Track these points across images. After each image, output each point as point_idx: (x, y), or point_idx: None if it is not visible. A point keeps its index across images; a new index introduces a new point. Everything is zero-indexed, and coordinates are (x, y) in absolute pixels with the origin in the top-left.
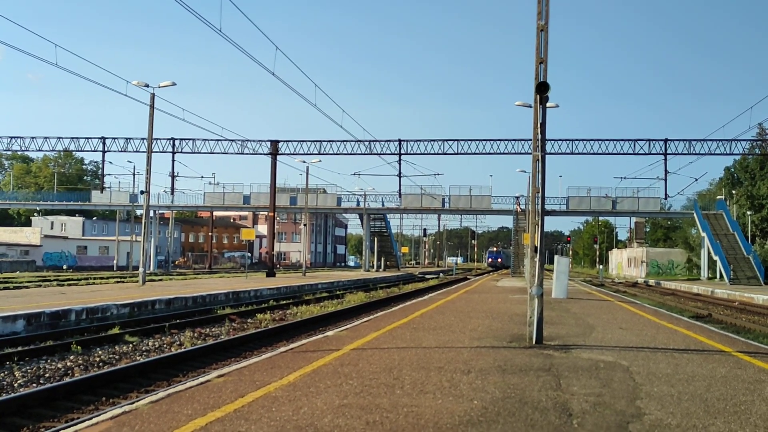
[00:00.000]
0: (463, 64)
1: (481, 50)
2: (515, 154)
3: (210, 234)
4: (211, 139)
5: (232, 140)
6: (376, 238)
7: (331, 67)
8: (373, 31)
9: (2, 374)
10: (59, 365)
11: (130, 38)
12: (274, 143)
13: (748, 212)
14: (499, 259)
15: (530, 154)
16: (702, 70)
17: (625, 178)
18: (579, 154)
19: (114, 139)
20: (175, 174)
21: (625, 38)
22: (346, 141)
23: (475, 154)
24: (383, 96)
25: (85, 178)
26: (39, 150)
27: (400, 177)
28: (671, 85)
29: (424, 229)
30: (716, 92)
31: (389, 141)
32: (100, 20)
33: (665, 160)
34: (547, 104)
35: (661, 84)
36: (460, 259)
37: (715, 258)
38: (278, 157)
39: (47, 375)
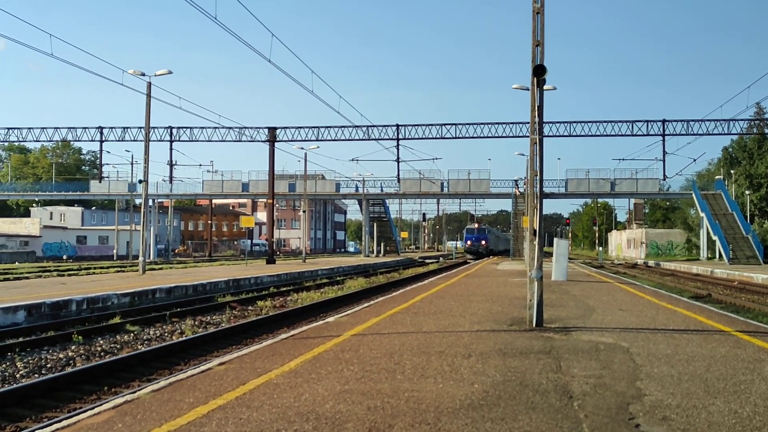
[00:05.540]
0: (463, 44)
1: (482, 30)
2: (513, 137)
3: (209, 222)
4: (209, 127)
5: (230, 128)
6: (375, 224)
7: (327, 48)
8: (371, 10)
9: (4, 365)
10: (61, 355)
11: (126, 24)
12: (272, 130)
13: (747, 192)
14: (483, 242)
15: (528, 137)
16: (701, 47)
17: (623, 159)
18: (577, 136)
19: (111, 128)
20: (174, 162)
21: (623, 14)
22: (344, 127)
23: (473, 138)
24: (381, 78)
25: (84, 168)
26: (37, 141)
27: (398, 162)
28: (670, 62)
29: (424, 214)
30: (715, 70)
31: (387, 126)
32: (96, 6)
33: (663, 140)
34: (545, 87)
35: (659, 61)
36: (459, 243)
37: (714, 238)
38: (276, 144)
39: (49, 365)
